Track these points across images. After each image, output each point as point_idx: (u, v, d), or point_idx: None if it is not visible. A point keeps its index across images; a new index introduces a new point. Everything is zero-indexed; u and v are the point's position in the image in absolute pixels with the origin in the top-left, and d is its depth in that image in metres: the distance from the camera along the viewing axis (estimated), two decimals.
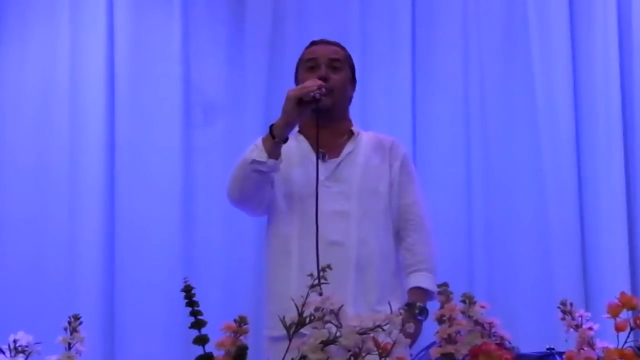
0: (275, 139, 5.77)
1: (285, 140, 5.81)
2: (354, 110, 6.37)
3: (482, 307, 3.84)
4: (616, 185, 7.84)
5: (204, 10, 8.38)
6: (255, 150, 5.83)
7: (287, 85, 6.21)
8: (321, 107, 5.82)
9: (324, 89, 5.77)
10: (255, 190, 5.98)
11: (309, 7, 8.27)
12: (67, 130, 8.19)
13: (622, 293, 3.96)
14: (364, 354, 3.77)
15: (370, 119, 7.41)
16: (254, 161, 5.79)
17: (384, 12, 8.16)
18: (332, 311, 3.81)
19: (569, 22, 8.06)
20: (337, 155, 6.08)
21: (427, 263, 6.03)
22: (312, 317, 3.80)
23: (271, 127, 5.82)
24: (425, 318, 5.74)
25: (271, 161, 5.78)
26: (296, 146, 6.03)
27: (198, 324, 3.68)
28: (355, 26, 7.98)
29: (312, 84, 5.78)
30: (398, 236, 6.15)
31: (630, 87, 8.02)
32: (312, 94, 5.71)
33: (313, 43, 6.32)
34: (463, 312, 3.83)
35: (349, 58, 6.28)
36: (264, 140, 5.84)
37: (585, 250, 7.79)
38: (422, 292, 5.90)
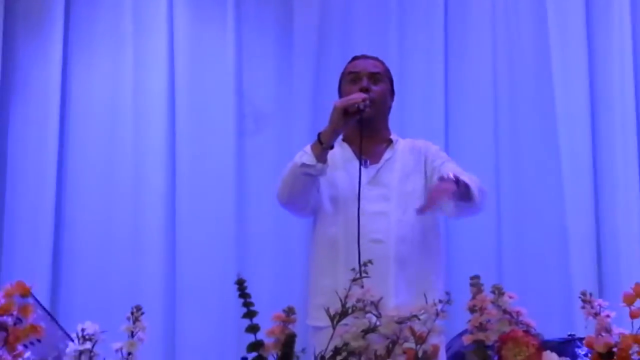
0: (322, 145, 5.83)
1: (332, 146, 5.86)
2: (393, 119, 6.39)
3: (510, 297, 3.88)
4: (631, 190, 7.83)
5: (255, 26, 8.38)
6: (305, 155, 5.88)
7: (332, 95, 6.34)
8: (364, 117, 5.85)
9: (367, 102, 5.82)
10: (303, 192, 6.01)
11: (352, 22, 8.26)
12: (132, 137, 8.23)
13: (637, 284, 4.00)
14: (401, 342, 3.81)
15: (408, 127, 7.39)
16: (303, 164, 5.84)
17: (419, 28, 8.15)
18: (372, 302, 3.84)
19: (586, 39, 8.03)
20: (378, 162, 6.13)
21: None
22: (354, 308, 3.83)
23: (319, 134, 5.87)
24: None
25: (319, 165, 5.83)
26: (340, 153, 6.08)
27: (250, 314, 3.72)
28: (394, 40, 7.97)
29: (357, 96, 5.85)
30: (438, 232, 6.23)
31: None
32: (357, 105, 5.77)
33: (355, 58, 6.36)
34: (493, 302, 3.87)
35: (387, 71, 6.31)
36: (312, 147, 5.90)
37: (600, 247, 7.77)
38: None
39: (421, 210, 5.70)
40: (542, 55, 8.07)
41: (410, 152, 6.22)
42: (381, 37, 7.67)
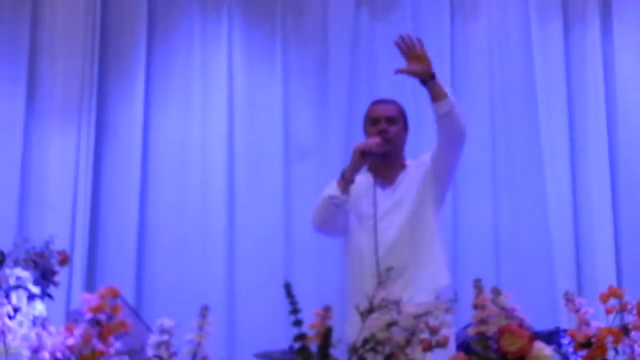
0: (345, 181, 6.07)
1: (353, 181, 6.07)
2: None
3: (506, 296, 3.89)
4: (604, 206, 7.84)
5: (298, 75, 8.39)
6: (331, 189, 6.13)
7: (361, 130, 6.41)
8: (381, 154, 6.09)
9: (381, 144, 6.06)
10: (331, 218, 6.23)
11: (377, 70, 8.27)
12: (199, 165, 8.27)
13: (610, 286, 4.02)
14: (418, 334, 3.83)
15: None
16: (331, 197, 6.12)
17: None
18: (393, 301, 3.86)
19: (566, 84, 8.06)
20: (393, 183, 6.22)
21: None
22: (379, 306, 3.85)
23: (343, 171, 6.09)
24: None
25: (344, 196, 6.09)
26: (365, 179, 6.18)
27: (295, 312, 3.74)
28: (409, 86, 7.89)
29: (372, 141, 6.08)
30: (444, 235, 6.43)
31: (614, 128, 8.03)
32: (372, 148, 6.02)
33: (374, 102, 6.46)
34: (492, 301, 3.88)
35: (402, 112, 6.37)
36: (338, 182, 6.11)
37: (579, 255, 7.77)
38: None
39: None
40: (531, 100, 8.08)
41: (417, 169, 6.30)
42: (400, 82, 7.67)
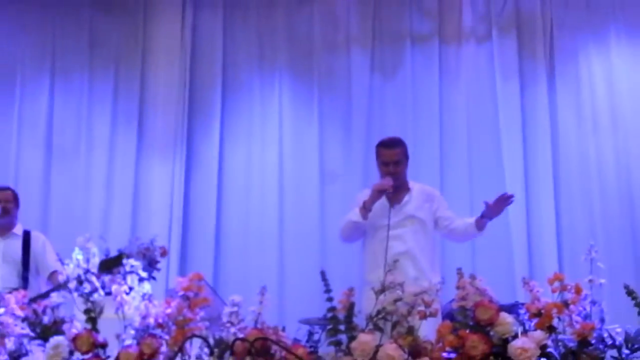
0: (365, 210, 6.17)
1: (371, 210, 6.16)
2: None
3: (480, 280, 3.89)
4: (549, 213, 7.88)
5: (329, 118, 8.39)
6: (354, 215, 6.23)
7: (374, 160, 6.40)
8: (392, 190, 6.12)
9: (390, 187, 6.11)
10: (353, 234, 6.38)
11: (387, 117, 8.29)
12: (259, 187, 8.33)
13: (555, 273, 4.01)
14: (417, 307, 3.82)
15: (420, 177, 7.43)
16: (354, 222, 6.26)
17: (426, 119, 8.24)
18: (399, 284, 3.85)
19: (521, 124, 8.09)
20: (400, 203, 6.22)
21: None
22: (389, 287, 3.85)
23: (364, 202, 6.16)
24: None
25: (363, 221, 6.20)
26: (380, 201, 6.14)
27: (328, 291, 3.76)
28: (410, 123, 7.94)
29: (386, 183, 6.13)
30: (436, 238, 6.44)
31: (557, 153, 8.05)
32: (387, 189, 6.09)
33: (384, 146, 6.37)
34: (470, 283, 3.87)
35: (404, 150, 6.36)
36: (360, 209, 6.18)
37: (530, 249, 7.80)
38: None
39: None
40: (496, 136, 8.13)
41: (421, 193, 6.32)
42: (400, 127, 7.68)
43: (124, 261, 5.13)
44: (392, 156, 6.26)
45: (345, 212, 6.41)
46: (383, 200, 6.14)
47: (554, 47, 8.22)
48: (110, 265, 4.56)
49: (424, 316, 3.84)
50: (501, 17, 8.29)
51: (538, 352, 3.74)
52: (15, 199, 6.99)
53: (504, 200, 6.15)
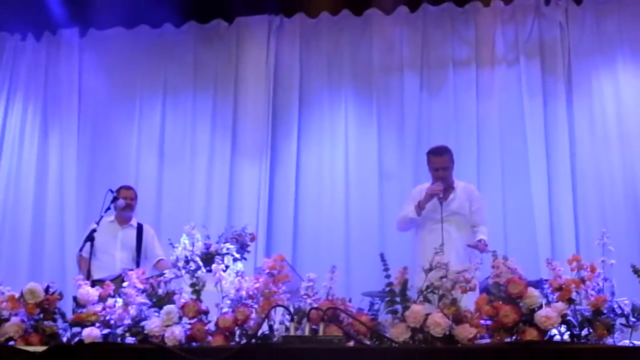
0: (420, 208, 6.21)
1: (424, 208, 6.21)
2: None
3: (511, 260, 3.87)
4: (568, 205, 7.75)
5: (387, 127, 8.34)
6: (410, 212, 6.28)
7: (424, 163, 6.47)
8: (442, 193, 6.15)
9: (441, 191, 6.15)
10: (407, 227, 6.44)
11: (433, 126, 8.22)
12: (329, 185, 8.30)
13: (574, 255, 3.97)
14: (459, 283, 3.80)
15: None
16: (411, 218, 6.31)
17: (463, 131, 8.16)
18: (444, 264, 3.83)
19: (544, 133, 7.97)
20: (447, 200, 6.20)
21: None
22: (436, 266, 3.84)
23: (419, 202, 6.22)
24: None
25: (418, 217, 6.24)
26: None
27: (386, 269, 3.74)
28: (453, 136, 7.87)
29: (437, 188, 6.18)
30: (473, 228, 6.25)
31: (574, 158, 7.93)
32: (438, 193, 6.12)
33: (433, 153, 6.41)
34: (503, 263, 3.85)
35: (451, 156, 6.39)
36: (415, 207, 6.25)
37: (553, 236, 7.67)
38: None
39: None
40: (524, 145, 8.00)
41: (463, 191, 6.32)
42: (444, 135, 7.66)
43: (221, 245, 5.18)
44: (441, 163, 6.29)
45: (400, 205, 6.47)
46: (436, 200, 6.19)
47: (571, 69, 8.09)
48: (209, 258, 4.61)
49: (464, 290, 3.83)
50: (527, 45, 8.19)
51: (559, 320, 3.73)
52: (136, 196, 7.08)
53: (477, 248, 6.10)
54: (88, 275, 5.96)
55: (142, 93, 8.86)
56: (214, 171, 8.53)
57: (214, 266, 4.24)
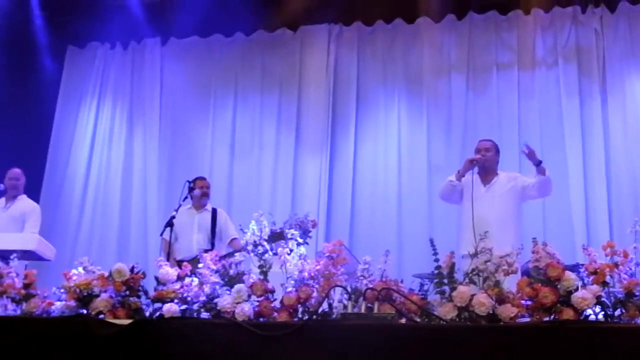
0: (459, 174, 6.00)
1: (464, 175, 6.00)
2: None
3: (550, 246, 3.81)
4: (602, 198, 7.65)
5: (436, 125, 8.31)
6: (451, 178, 6.05)
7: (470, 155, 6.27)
8: (480, 164, 5.98)
9: (479, 160, 5.97)
10: (449, 195, 6.15)
11: (479, 122, 8.17)
12: (383, 176, 8.29)
13: (608, 241, 3.90)
14: (501, 266, 3.75)
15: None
16: (450, 181, 6.06)
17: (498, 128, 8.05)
18: (489, 249, 3.79)
19: (581, 131, 7.88)
20: (489, 183, 6.04)
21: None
22: (481, 251, 3.79)
23: (459, 170, 6.02)
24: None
25: (456, 182, 6.03)
26: (475, 183, 5.99)
27: (435, 254, 3.71)
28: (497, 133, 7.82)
29: (477, 156, 6.02)
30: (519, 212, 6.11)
31: (608, 155, 7.79)
32: (474, 160, 5.95)
33: (480, 140, 6.29)
34: (543, 249, 3.80)
35: (495, 145, 6.20)
36: (455, 175, 6.03)
37: (588, 224, 7.57)
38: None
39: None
40: (562, 143, 7.90)
41: (506, 178, 6.12)
42: (489, 131, 7.59)
43: (285, 230, 5.19)
44: (484, 144, 6.18)
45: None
46: (477, 182, 6.00)
47: (605, 72, 8.00)
48: (276, 237, 4.61)
49: (507, 273, 3.77)
50: (565, 49, 8.12)
51: (594, 301, 3.67)
52: (209, 186, 7.13)
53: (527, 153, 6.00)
54: (168, 257, 6.03)
55: (215, 94, 8.95)
56: (279, 164, 8.57)
57: (279, 250, 4.25)
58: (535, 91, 8.15)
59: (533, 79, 8.19)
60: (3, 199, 6.82)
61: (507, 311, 3.68)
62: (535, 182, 5.99)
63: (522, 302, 3.75)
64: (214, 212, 7.04)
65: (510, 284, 3.85)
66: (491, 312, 3.68)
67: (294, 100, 8.70)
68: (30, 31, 8.57)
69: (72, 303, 4.23)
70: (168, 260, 5.52)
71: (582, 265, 4.01)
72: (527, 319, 3.74)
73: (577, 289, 3.71)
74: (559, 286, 3.71)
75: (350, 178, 8.31)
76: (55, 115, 9.06)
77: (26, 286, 4.39)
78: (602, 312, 3.72)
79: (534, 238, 3.90)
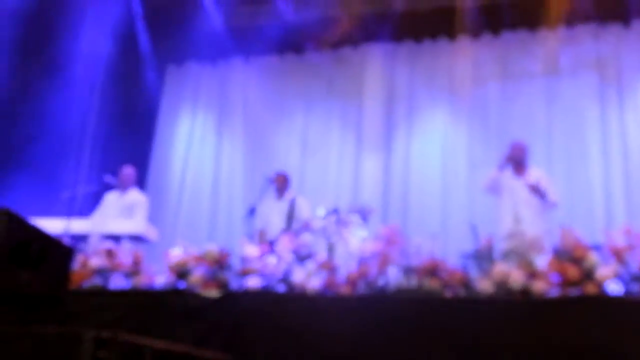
0: (499, 169, 5.89)
1: (502, 171, 5.87)
2: None
3: (575, 230, 3.72)
4: (618, 184, 7.44)
5: (479, 128, 8.12)
6: (492, 173, 5.94)
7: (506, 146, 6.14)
8: (513, 161, 5.86)
9: (513, 157, 5.88)
10: (490, 187, 6.00)
11: (511, 125, 7.92)
12: (431, 172, 8.16)
13: (627, 227, 3.79)
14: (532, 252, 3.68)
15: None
16: (491, 177, 5.95)
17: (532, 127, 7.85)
18: (522, 232, 3.72)
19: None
20: (522, 175, 5.89)
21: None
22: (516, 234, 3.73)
23: (498, 165, 5.90)
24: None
25: (497, 176, 5.88)
26: (509, 174, 5.87)
27: (476, 237, 3.64)
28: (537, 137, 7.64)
29: (511, 154, 5.87)
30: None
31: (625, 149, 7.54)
32: (512, 157, 5.84)
33: (514, 141, 6.16)
34: (569, 232, 3.71)
35: (525, 145, 6.07)
36: (495, 171, 5.90)
37: (608, 209, 7.34)
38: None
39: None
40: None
41: (535, 172, 5.99)
42: (521, 129, 7.43)
43: (349, 215, 5.15)
44: (516, 144, 6.08)
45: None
46: (511, 173, 5.90)
47: (622, 79, 7.81)
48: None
49: (538, 253, 3.71)
50: (586, 60, 7.94)
51: (612, 275, 3.58)
52: (286, 179, 7.13)
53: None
54: (254, 238, 6.06)
55: (289, 102, 8.93)
56: (343, 161, 8.53)
57: (344, 232, 4.24)
58: (558, 98, 7.98)
59: (558, 86, 8.01)
60: (117, 192, 6.97)
61: (539, 286, 3.62)
62: (546, 202, 5.79)
63: (551, 278, 3.67)
64: (292, 200, 7.05)
65: (541, 262, 3.77)
66: (524, 287, 3.62)
67: (356, 107, 8.64)
68: (136, 48, 8.70)
69: (172, 278, 4.30)
70: (253, 241, 5.55)
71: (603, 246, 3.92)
72: (556, 293, 3.67)
73: (599, 267, 3.63)
74: (583, 264, 3.63)
75: (403, 172, 8.20)
76: (158, 123, 9.20)
77: (135, 263, 4.48)
78: (621, 288, 3.63)
79: (562, 225, 3.82)
